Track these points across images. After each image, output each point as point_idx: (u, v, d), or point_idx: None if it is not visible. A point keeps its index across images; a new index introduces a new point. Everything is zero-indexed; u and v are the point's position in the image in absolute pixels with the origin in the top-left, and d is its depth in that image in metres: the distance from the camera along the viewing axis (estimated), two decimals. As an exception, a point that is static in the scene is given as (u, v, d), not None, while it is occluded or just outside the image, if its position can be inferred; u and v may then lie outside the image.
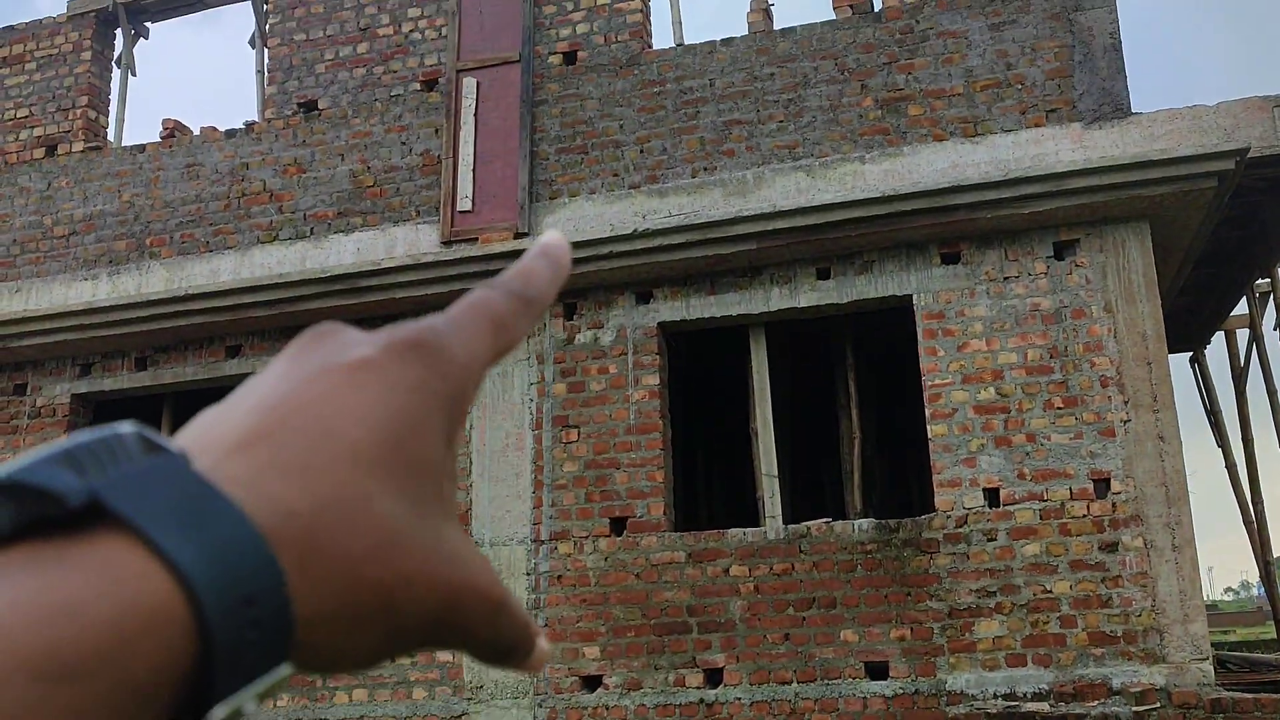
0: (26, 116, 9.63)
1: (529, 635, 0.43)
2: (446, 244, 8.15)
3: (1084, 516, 6.81)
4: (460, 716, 7.52)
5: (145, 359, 8.85)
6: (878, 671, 6.92)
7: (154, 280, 8.78)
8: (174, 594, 0.31)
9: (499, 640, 0.41)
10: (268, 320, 8.41)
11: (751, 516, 8.17)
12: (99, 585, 0.30)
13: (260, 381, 0.39)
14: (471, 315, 0.44)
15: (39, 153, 9.50)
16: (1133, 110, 7.27)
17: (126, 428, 0.33)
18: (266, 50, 9.46)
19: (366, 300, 8.12)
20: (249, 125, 9.07)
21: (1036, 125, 7.37)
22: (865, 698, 6.86)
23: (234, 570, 0.32)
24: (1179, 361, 12.33)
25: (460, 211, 8.20)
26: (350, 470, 0.36)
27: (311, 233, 8.59)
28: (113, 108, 9.90)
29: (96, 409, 9.26)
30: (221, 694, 0.32)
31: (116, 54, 10.02)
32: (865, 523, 7.16)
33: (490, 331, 0.44)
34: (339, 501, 0.35)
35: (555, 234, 0.50)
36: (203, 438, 0.36)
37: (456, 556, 0.39)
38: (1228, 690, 6.57)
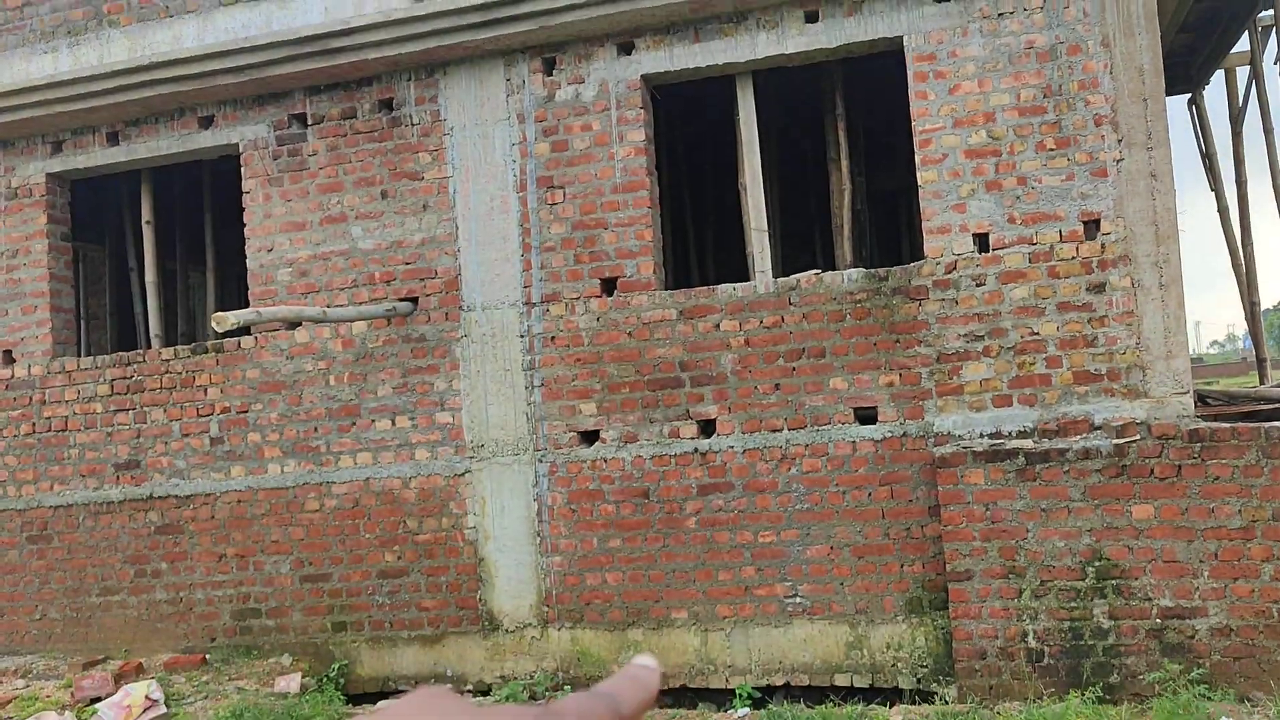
0: (-41, -125, 8.99)
1: None
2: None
3: (1073, 258, 6.81)
4: (463, 474, 7.76)
5: (116, 133, 8.62)
6: (866, 417, 7.10)
7: (115, 49, 8.42)
8: None
9: None
10: (238, 88, 8.14)
11: (742, 274, 8.17)
12: None
13: None
14: (597, 706, 0.47)
15: (-22, -84, 8.92)
16: None
17: None
18: None
19: (339, 63, 7.83)
20: (198, -124, 8.47)
21: None
22: (854, 441, 7.06)
23: None
24: (1177, 104, 12.07)
25: (429, -37, 7.76)
26: None
27: (275, -8, 8.17)
28: None
29: (74, 187, 9.10)
30: None
31: None
32: (854, 272, 7.16)
33: None
34: None
35: (648, 659, 0.55)
36: None
37: None
38: (1206, 421, 6.76)
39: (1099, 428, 6.66)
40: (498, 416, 7.72)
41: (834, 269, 7.99)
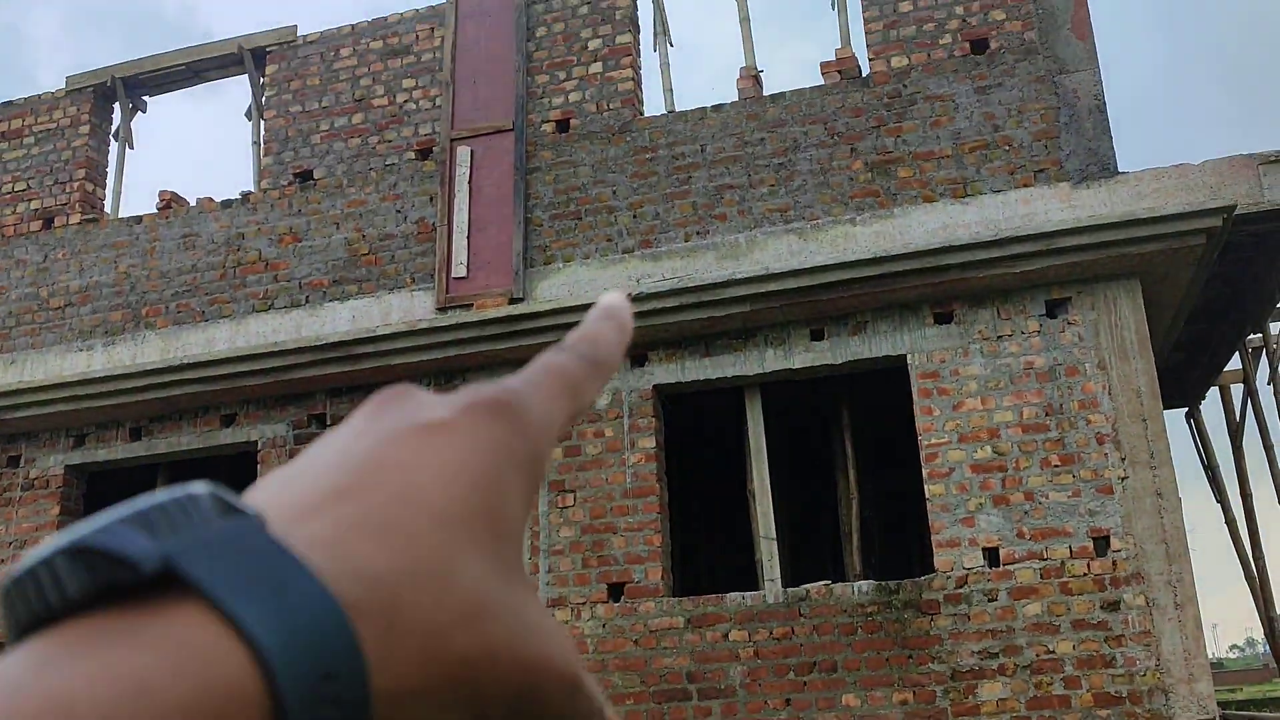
0: (24, 190, 9.71)
1: (603, 716, 0.40)
2: (441, 310, 8.18)
3: (1085, 575, 6.76)
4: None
5: (140, 429, 8.83)
6: (881, 737, 6.83)
7: (149, 350, 8.79)
8: (251, 672, 0.28)
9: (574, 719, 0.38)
10: (263, 389, 8.41)
11: (750, 578, 8.11)
12: (174, 663, 0.28)
13: (333, 441, 0.37)
14: (545, 377, 0.42)
15: (36, 225, 9.56)
16: (1119, 170, 7.36)
17: (200, 487, 0.31)
18: (263, 122, 9.57)
19: (362, 367, 8.13)
20: (245, 196, 9.15)
21: (1025, 185, 7.45)
22: (869, 764, 6.75)
23: (313, 644, 0.29)
24: (1174, 418, 12.34)
25: (455, 278, 8.24)
26: (436, 532, 0.34)
27: (307, 301, 8.62)
28: (110, 180, 9.99)
29: (90, 480, 9.22)
30: None
31: (114, 127, 10.14)
32: (865, 584, 7.10)
33: (564, 394, 0.42)
34: (425, 566, 0.33)
35: (616, 294, 0.50)
36: (277, 498, 0.34)
37: (540, 628, 0.36)
38: (1236, 751, 6.48)
39: (1124, 755, 6.38)
40: (498, 727, 7.42)
41: (843, 577, 7.92)
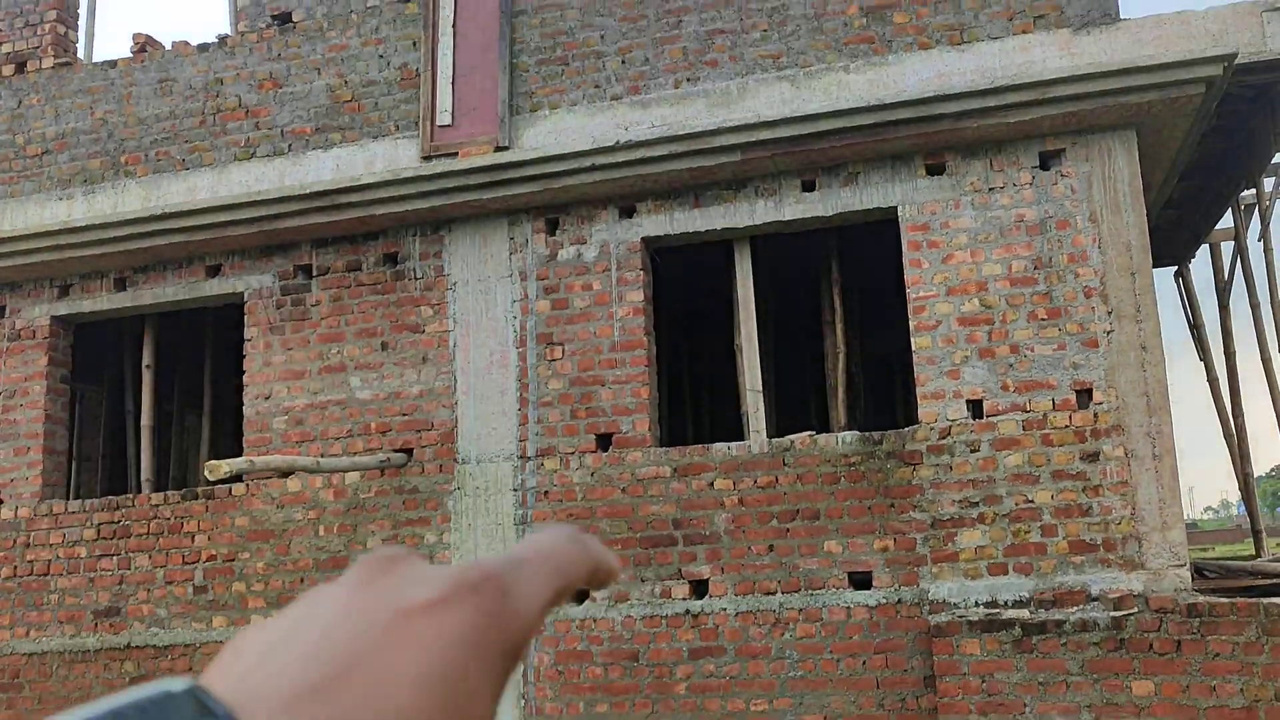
0: (-6, 32, 9.39)
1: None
2: (426, 159, 8.04)
3: (1066, 427, 6.85)
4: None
5: (124, 279, 8.76)
6: (861, 581, 7.01)
7: (130, 199, 8.65)
8: None
9: None
10: (247, 239, 8.32)
11: (737, 432, 8.20)
12: None
13: (319, 610, 0.38)
14: (536, 561, 0.43)
15: (8, 69, 9.29)
16: (1121, 16, 7.15)
17: (179, 685, 0.32)
18: (238, -38, 9.21)
19: (347, 217, 8.03)
20: (222, 39, 8.87)
21: (1024, 32, 7.25)
22: (849, 607, 6.95)
23: None
24: (1163, 276, 12.32)
25: (440, 126, 8.07)
26: None
27: (289, 149, 8.45)
28: (82, 22, 9.67)
29: (77, 330, 9.19)
30: None
31: (84, -33, 9.76)
32: (849, 435, 7.19)
33: (554, 579, 0.44)
34: None
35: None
36: (256, 680, 0.35)
37: None
38: (1204, 595, 6.67)
39: (1096, 599, 6.57)
40: (487, 571, 7.59)
41: (828, 430, 8.02)
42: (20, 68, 9.27)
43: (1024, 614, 6.57)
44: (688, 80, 7.76)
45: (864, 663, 6.88)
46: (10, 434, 8.76)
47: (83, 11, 9.68)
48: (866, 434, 7.15)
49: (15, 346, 8.87)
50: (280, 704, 0.34)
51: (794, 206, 7.54)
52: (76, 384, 10.01)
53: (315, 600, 0.39)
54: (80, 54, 9.59)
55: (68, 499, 8.87)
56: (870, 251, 10.17)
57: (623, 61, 7.90)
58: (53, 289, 8.89)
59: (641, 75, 7.85)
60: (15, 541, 8.57)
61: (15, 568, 8.53)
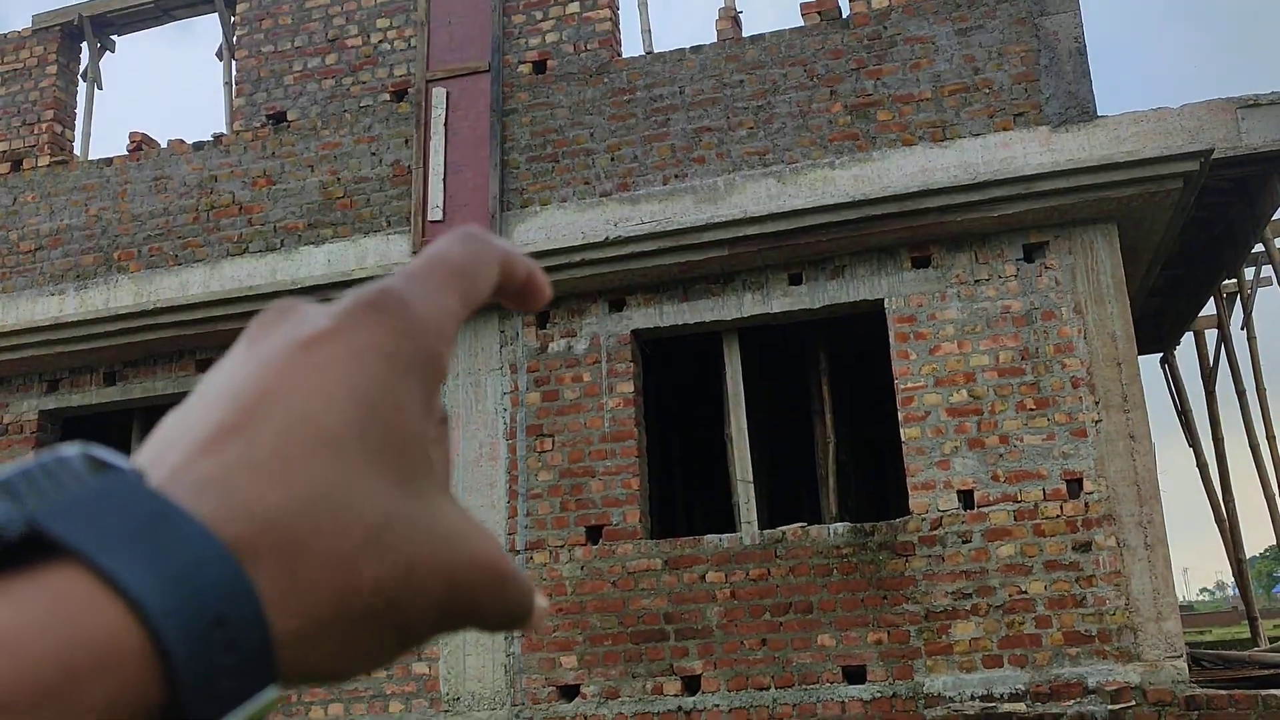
0: (-9, 131, 9.53)
1: (531, 597, 0.40)
2: (417, 254, 8.10)
3: (1058, 517, 6.84)
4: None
5: (114, 374, 8.76)
6: (855, 675, 6.93)
7: (122, 294, 8.70)
8: (128, 623, 0.28)
9: (506, 608, 0.38)
10: (237, 334, 8.32)
11: (728, 523, 8.17)
12: (40, 618, 0.27)
13: (220, 373, 0.36)
14: (430, 268, 0.40)
15: (4, 168, 9.41)
16: (1099, 113, 7.34)
17: (70, 449, 0.31)
18: (235, 62, 9.41)
19: (338, 311, 8.07)
20: (217, 138, 9.01)
21: (1004, 129, 7.42)
22: (844, 701, 6.86)
23: (198, 591, 0.29)
24: (1149, 363, 12.43)
25: (431, 221, 8.17)
26: (328, 459, 0.33)
27: (282, 244, 8.54)
28: (79, 122, 9.82)
29: (65, 425, 9.16)
30: None
31: (82, 68, 9.95)
32: (840, 526, 7.17)
33: (454, 282, 0.40)
34: (321, 496, 0.32)
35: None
36: (167, 442, 0.33)
37: (455, 533, 0.36)
38: (1202, 687, 6.61)
39: (1093, 691, 6.50)
40: (475, 668, 7.50)
41: (819, 521, 7.99)
42: (16, 165, 9.39)
43: (1020, 707, 6.49)
44: (676, 177, 7.90)
45: (860, 760, 6.76)
46: (-5, 530, 8.66)
47: (80, 111, 9.84)
48: (858, 525, 7.13)
49: (2, 441, 8.83)
50: (195, 449, 0.32)
51: (781, 299, 7.62)
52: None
53: (211, 372, 0.37)
54: (77, 151, 9.72)
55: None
56: (860, 339, 10.26)
57: (612, 159, 8.05)
58: (41, 383, 8.89)
59: (630, 172, 7.99)
60: None
61: None
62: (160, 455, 0.33)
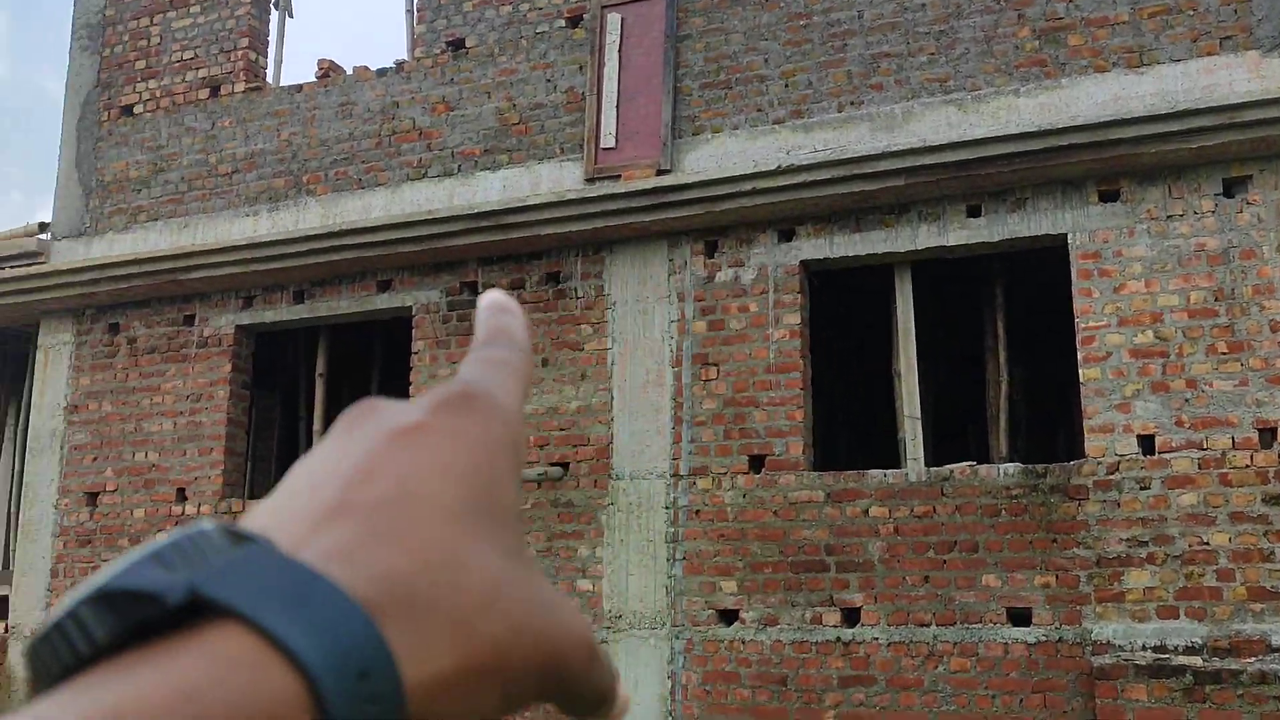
0: (192, 58, 10.04)
1: (615, 682, 0.42)
2: (590, 181, 8.22)
3: (1247, 467, 6.51)
4: (599, 644, 7.71)
5: (302, 292, 9.21)
6: (1020, 617, 6.81)
7: (310, 216, 9.11)
8: (290, 676, 0.30)
9: (594, 688, 0.41)
10: (417, 255, 8.65)
11: (889, 459, 8.09)
12: (216, 673, 0.29)
13: (316, 461, 0.38)
14: (491, 365, 0.44)
15: (203, 93, 9.91)
16: (1317, 36, 6.80)
17: (207, 524, 0.33)
18: (416, -11, 9.61)
19: (512, 237, 8.27)
20: (399, 64, 9.27)
21: (1209, 54, 6.96)
22: (1006, 643, 6.76)
23: (344, 646, 0.31)
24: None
25: (603, 149, 8.24)
26: (440, 527, 0.35)
27: (459, 170, 8.76)
28: (271, 49, 10.24)
29: (258, 339, 9.71)
30: None
31: (274, -4, 10.33)
32: (1011, 467, 7.01)
33: (515, 379, 0.44)
34: (436, 560, 0.35)
35: (495, 292, 0.51)
36: (278, 522, 0.35)
37: (553, 604, 0.38)
38: (1399, 652, 6.24)
39: (1277, 649, 6.22)
40: (637, 588, 7.70)
41: (987, 461, 7.82)
42: (214, 91, 9.87)
43: (1196, 661, 6.28)
44: (851, 104, 7.72)
45: (1021, 701, 6.68)
46: (196, 435, 9.30)
47: (272, 38, 10.25)
48: (1029, 466, 6.96)
49: (203, 353, 9.42)
50: (310, 526, 0.35)
51: (958, 232, 7.40)
52: (256, 390, 10.57)
53: (306, 461, 0.39)
54: (269, 78, 10.16)
55: (245, 498, 9.36)
56: (1036, 277, 9.89)
57: (786, 85, 7.92)
58: (237, 300, 9.42)
59: (804, 99, 7.85)
60: (197, 537, 9.08)
61: (196, 562, 9.04)
62: (273, 527, 0.35)
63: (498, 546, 0.37)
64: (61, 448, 9.69)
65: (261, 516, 0.37)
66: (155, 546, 0.32)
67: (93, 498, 9.51)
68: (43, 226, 10.36)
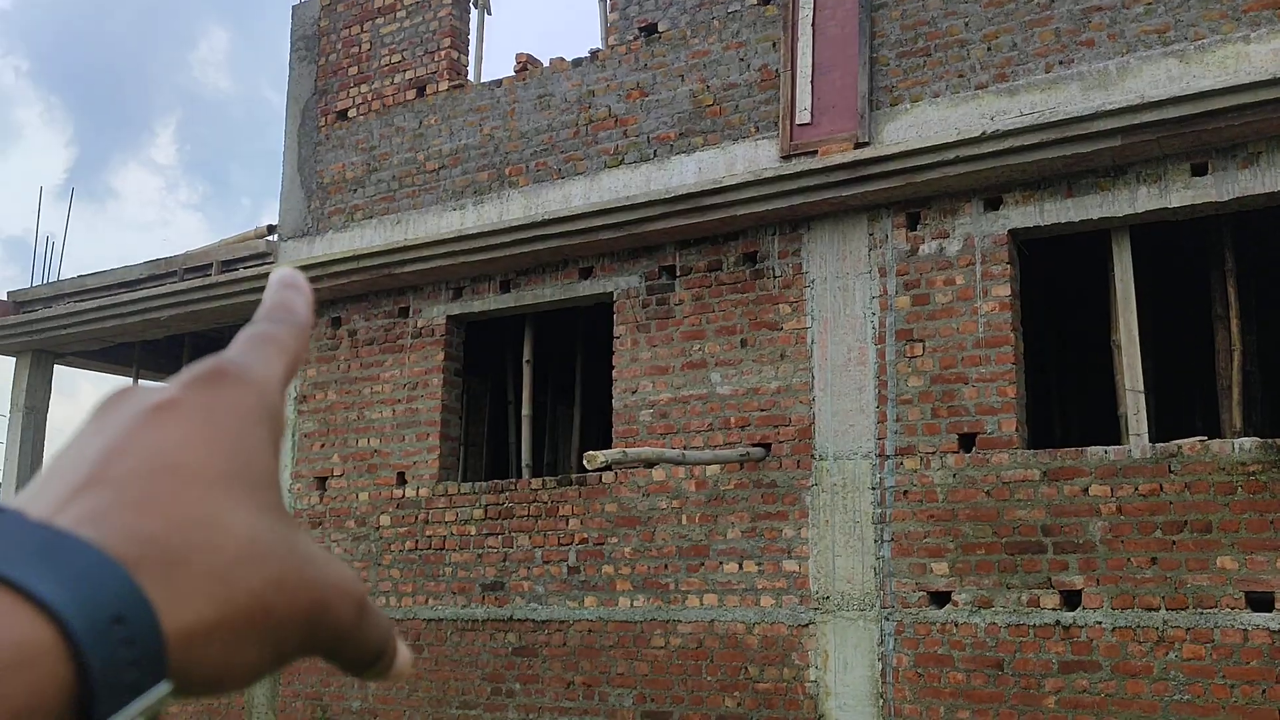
0: (400, 61, 10.50)
1: (392, 638, 0.44)
2: (786, 158, 8.13)
3: None
4: (807, 625, 7.68)
5: (508, 281, 9.52)
6: (1261, 603, 6.36)
7: (513, 207, 9.39)
8: (41, 624, 0.31)
9: (366, 640, 0.42)
10: (616, 242, 8.78)
11: (1106, 434, 7.69)
12: None
13: (75, 446, 0.40)
14: (255, 342, 0.45)
15: (410, 94, 10.35)
16: None
17: None
18: (607, -22, 9.74)
19: (709, 219, 8.28)
20: (593, 53, 9.42)
21: None
22: (1246, 629, 6.33)
23: (96, 593, 0.32)
24: None
25: (799, 125, 8.14)
26: (194, 492, 0.37)
27: (655, 154, 8.84)
28: (471, 47, 10.59)
29: (468, 328, 10.09)
30: (105, 714, 0.32)
31: (473, -4, 10.68)
32: (1247, 442, 6.54)
33: (276, 353, 0.46)
34: (193, 520, 0.36)
35: (285, 268, 0.52)
36: (32, 499, 0.37)
37: (315, 557, 0.40)
38: None
39: None
40: (844, 569, 7.60)
41: (1218, 434, 7.33)
42: (420, 91, 10.30)
43: None
44: (1060, 64, 7.35)
45: (1263, 692, 6.24)
46: (414, 421, 9.77)
47: (472, 37, 10.60)
48: (1268, 440, 6.48)
49: (418, 343, 9.87)
50: (64, 498, 0.36)
51: (1182, 193, 6.95)
52: (467, 377, 11.00)
53: (61, 451, 0.40)
54: (470, 75, 10.52)
55: (459, 481, 9.77)
56: (1266, 237, 9.19)
57: (988, 48, 7.61)
58: (448, 291, 9.81)
59: (1009, 61, 7.52)
60: (417, 518, 9.56)
61: (416, 541, 9.52)
62: (29, 506, 0.36)
63: (255, 506, 0.39)
64: (293, 436, 10.35)
65: (19, 499, 0.38)
66: None
67: (322, 482, 10.13)
68: (271, 229, 11.08)
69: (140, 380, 12.21)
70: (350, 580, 0.41)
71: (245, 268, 10.77)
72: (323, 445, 10.20)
